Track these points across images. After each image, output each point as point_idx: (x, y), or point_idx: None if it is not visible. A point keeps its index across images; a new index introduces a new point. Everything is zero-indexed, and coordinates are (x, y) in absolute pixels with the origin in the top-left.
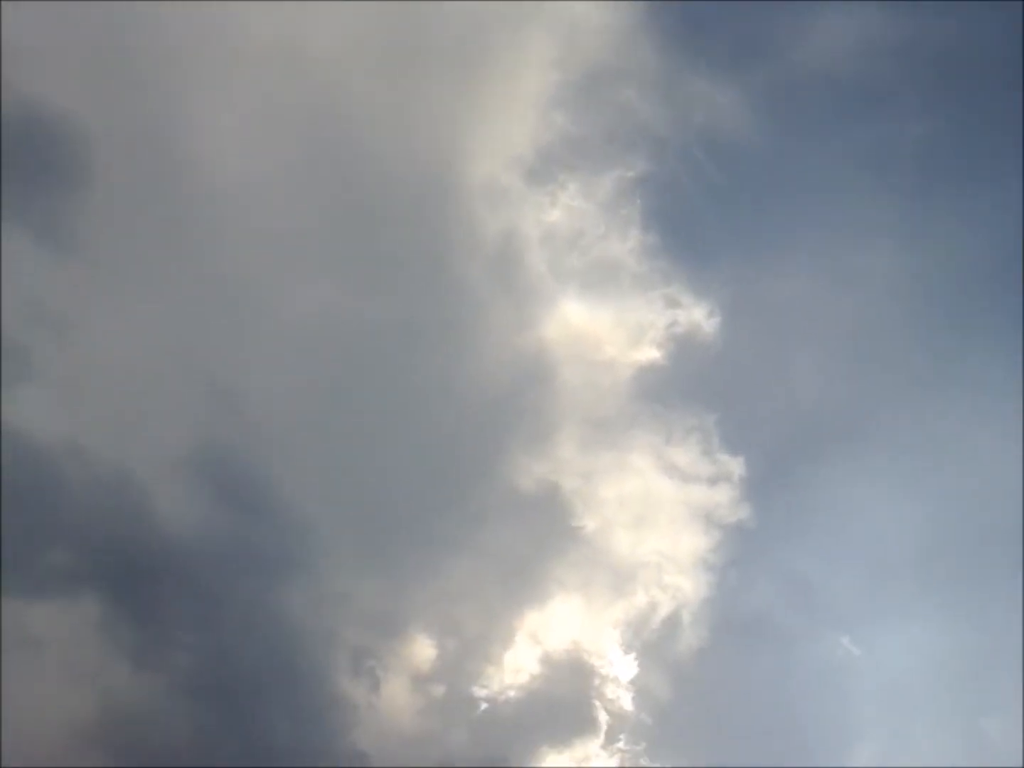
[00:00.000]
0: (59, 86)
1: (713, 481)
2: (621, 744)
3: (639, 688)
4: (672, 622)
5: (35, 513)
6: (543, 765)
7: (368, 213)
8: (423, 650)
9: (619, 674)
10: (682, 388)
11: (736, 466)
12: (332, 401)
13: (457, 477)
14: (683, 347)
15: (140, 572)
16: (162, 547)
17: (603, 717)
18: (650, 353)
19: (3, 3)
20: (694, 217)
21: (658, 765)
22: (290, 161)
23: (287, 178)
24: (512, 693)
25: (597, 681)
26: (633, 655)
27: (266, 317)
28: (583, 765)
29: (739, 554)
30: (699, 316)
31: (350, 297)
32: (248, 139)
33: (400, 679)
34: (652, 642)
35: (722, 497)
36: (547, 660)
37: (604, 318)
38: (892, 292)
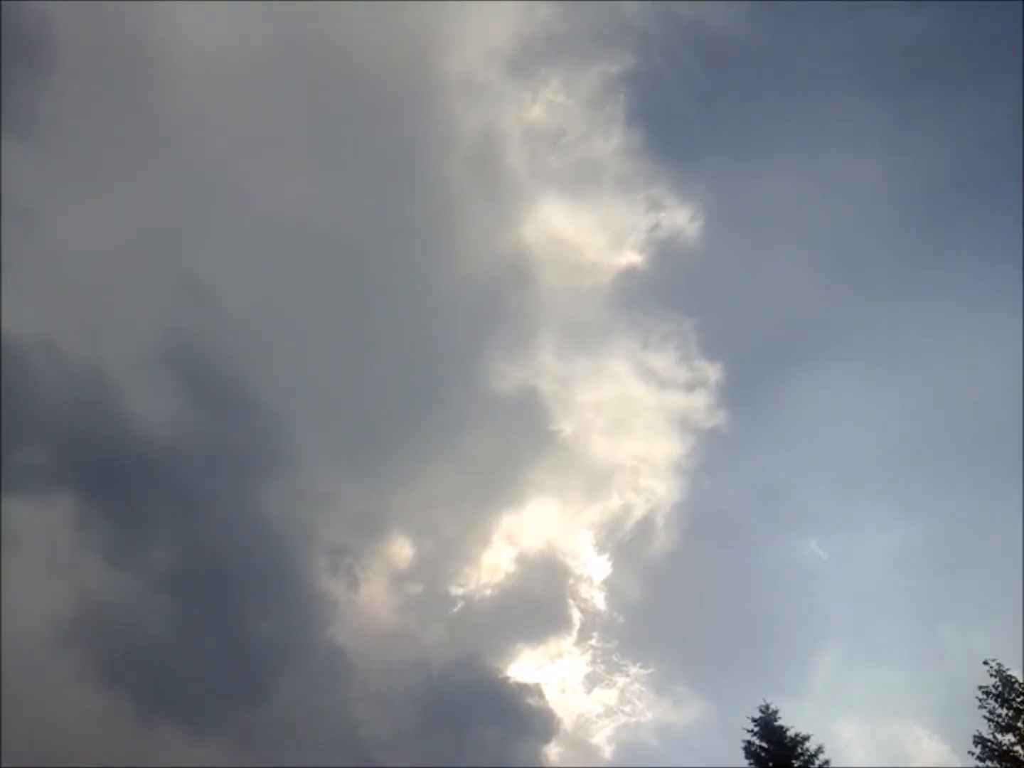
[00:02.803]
0: None
1: (690, 387)
2: (593, 641)
3: (612, 588)
4: (645, 524)
5: (6, 410)
6: (518, 661)
7: (342, 103)
8: (401, 550)
9: (593, 574)
10: (662, 293)
11: (713, 372)
12: (308, 299)
13: (436, 379)
14: (664, 251)
15: (116, 469)
16: (138, 444)
17: (576, 615)
18: (631, 257)
19: None
20: (679, 116)
21: (628, 662)
22: (264, 52)
23: (261, 69)
24: (488, 592)
25: (571, 581)
26: (607, 556)
27: (241, 210)
28: (556, 661)
29: (713, 459)
30: (682, 219)
31: (324, 193)
32: (221, 27)
33: (378, 578)
34: (625, 543)
35: (698, 403)
36: (523, 560)
37: (585, 220)
38: (877, 196)
